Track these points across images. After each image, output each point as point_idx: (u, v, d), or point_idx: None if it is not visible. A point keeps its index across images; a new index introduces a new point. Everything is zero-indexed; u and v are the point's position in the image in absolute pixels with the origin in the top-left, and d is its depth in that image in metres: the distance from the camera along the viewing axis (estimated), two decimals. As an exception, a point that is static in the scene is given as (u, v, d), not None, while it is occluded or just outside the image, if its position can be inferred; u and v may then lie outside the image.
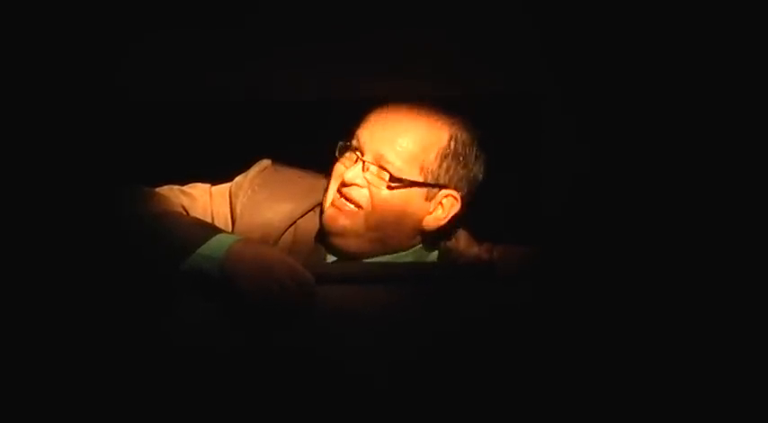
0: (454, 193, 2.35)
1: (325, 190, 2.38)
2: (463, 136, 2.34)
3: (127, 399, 2.15)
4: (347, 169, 2.33)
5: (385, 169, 2.30)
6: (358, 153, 2.33)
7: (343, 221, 2.33)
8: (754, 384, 2.19)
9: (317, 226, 2.39)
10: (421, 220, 2.35)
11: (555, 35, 2.29)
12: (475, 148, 2.35)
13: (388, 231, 2.34)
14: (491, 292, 2.22)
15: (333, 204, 2.35)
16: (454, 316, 2.21)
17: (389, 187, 2.31)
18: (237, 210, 2.40)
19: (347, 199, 2.33)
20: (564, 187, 2.30)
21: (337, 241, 2.35)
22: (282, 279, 2.14)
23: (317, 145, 2.39)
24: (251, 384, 2.16)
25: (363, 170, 2.32)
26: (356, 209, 2.33)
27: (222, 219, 2.40)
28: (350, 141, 2.35)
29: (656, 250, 2.24)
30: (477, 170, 2.37)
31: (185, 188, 2.41)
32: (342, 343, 2.18)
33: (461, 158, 2.34)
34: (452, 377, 2.19)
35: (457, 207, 2.36)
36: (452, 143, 2.33)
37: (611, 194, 2.27)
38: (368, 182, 2.32)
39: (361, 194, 2.33)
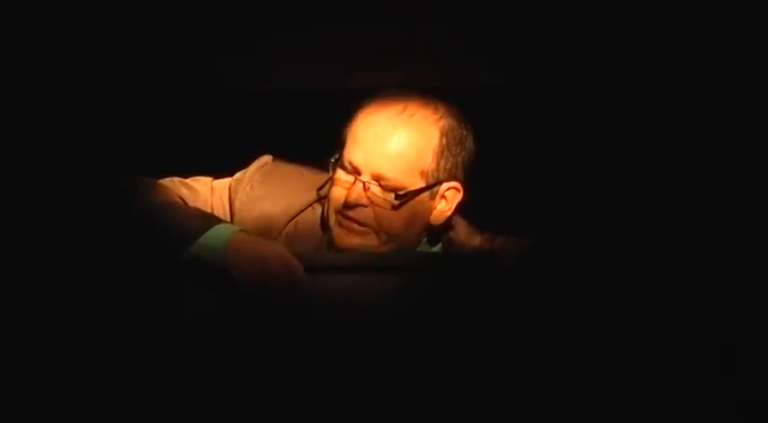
0: (455, 183, 2.35)
1: (326, 205, 2.36)
2: (450, 124, 2.32)
3: (129, 387, 2.16)
4: (347, 191, 2.31)
5: (387, 185, 2.30)
6: (355, 174, 2.31)
7: (356, 240, 2.33)
8: (749, 378, 2.18)
9: (318, 220, 2.39)
10: (428, 219, 2.36)
11: (555, 26, 2.28)
12: (462, 130, 2.34)
13: (401, 237, 2.34)
14: (491, 282, 2.22)
15: (340, 225, 2.33)
16: (454, 306, 2.21)
17: (396, 205, 2.31)
18: (236, 205, 2.39)
19: (355, 220, 2.32)
20: (563, 179, 2.29)
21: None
22: (275, 270, 2.14)
23: (313, 136, 2.40)
24: (248, 373, 2.17)
25: (365, 190, 2.30)
26: (366, 228, 2.32)
27: (221, 213, 2.38)
28: (341, 156, 2.33)
29: (656, 243, 2.24)
30: (470, 147, 2.35)
31: (187, 181, 2.41)
32: (344, 333, 2.18)
33: (454, 148, 2.33)
34: (451, 368, 2.19)
35: (460, 195, 2.36)
36: (444, 138, 2.32)
37: (611, 187, 2.26)
38: (371, 201, 2.31)
39: (367, 214, 2.31)
